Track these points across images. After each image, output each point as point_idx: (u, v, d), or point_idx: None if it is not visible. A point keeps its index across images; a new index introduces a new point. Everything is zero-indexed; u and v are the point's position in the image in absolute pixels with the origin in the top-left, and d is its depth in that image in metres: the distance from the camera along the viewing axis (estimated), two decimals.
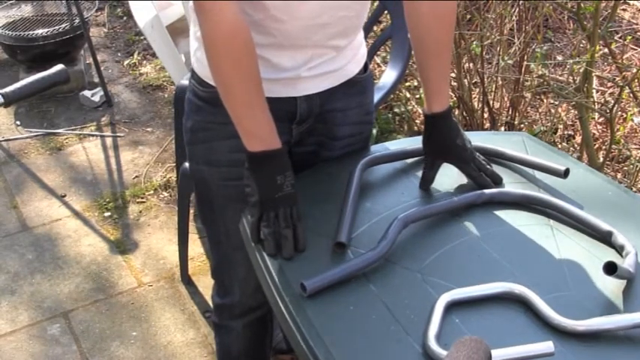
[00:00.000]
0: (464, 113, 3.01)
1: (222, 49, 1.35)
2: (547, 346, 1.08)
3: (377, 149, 1.65)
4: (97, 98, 3.81)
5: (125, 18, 4.73)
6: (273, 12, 1.39)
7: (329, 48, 1.50)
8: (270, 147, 1.40)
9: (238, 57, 1.36)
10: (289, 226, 1.36)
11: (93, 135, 3.61)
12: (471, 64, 2.93)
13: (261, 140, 1.40)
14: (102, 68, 3.86)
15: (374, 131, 3.10)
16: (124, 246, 2.90)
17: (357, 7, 1.49)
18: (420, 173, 1.54)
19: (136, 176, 3.30)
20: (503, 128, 2.95)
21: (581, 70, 2.51)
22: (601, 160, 2.64)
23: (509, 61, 2.82)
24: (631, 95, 2.63)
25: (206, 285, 2.65)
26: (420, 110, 3.35)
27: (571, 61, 2.67)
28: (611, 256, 1.31)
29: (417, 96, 3.36)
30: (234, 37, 1.34)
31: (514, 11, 2.89)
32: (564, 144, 3.04)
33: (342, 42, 1.52)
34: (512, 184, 1.52)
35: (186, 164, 2.07)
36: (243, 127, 1.41)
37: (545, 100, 3.23)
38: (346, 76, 1.59)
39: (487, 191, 1.47)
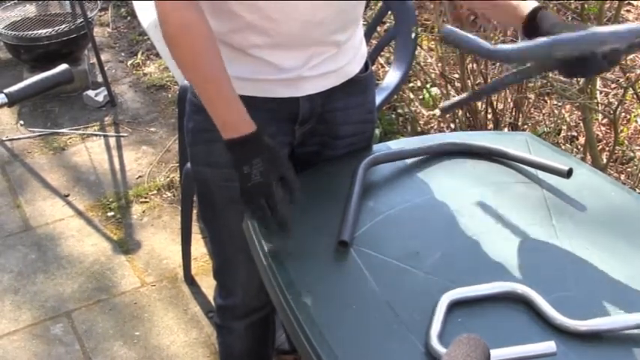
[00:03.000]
0: (467, 114, 3.00)
1: (180, 41, 1.35)
2: (549, 345, 1.08)
3: (379, 148, 1.65)
4: (100, 98, 3.82)
5: (129, 18, 4.74)
6: (267, 12, 1.39)
7: (329, 45, 1.50)
8: (238, 133, 1.37)
9: (195, 49, 1.36)
10: (268, 214, 1.35)
11: (96, 135, 3.62)
12: (475, 65, 2.93)
13: (230, 126, 1.38)
14: (105, 68, 3.87)
15: (377, 132, 3.10)
16: (127, 246, 2.90)
17: (351, 2, 1.48)
18: (421, 173, 1.54)
19: (140, 176, 3.31)
20: (506, 129, 2.95)
21: None
22: (604, 161, 2.64)
23: None
24: (635, 96, 2.62)
25: (209, 285, 2.65)
26: (423, 111, 3.35)
27: None
28: (614, 257, 1.31)
29: (421, 97, 3.36)
30: (187, 33, 1.34)
31: None
32: (568, 145, 3.04)
33: (342, 37, 1.51)
34: (515, 184, 1.51)
35: (189, 164, 2.07)
36: (214, 116, 1.40)
37: (548, 101, 3.23)
38: (347, 75, 1.59)
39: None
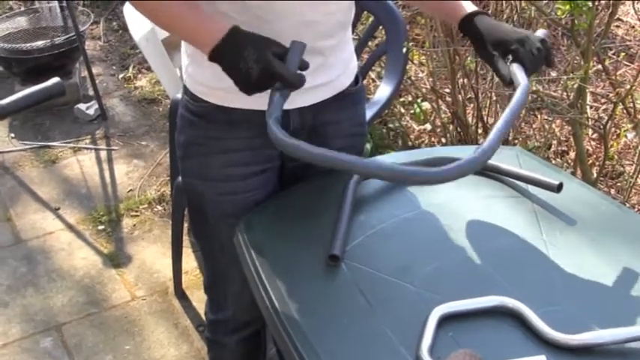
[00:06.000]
0: (458, 129, 3.01)
1: None
2: None
3: None
4: (91, 111, 3.82)
5: (121, 31, 4.74)
6: (257, 12, 1.39)
7: (316, 53, 1.48)
8: (216, 40, 1.33)
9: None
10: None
11: (87, 148, 3.61)
12: (466, 80, 2.94)
13: (208, 39, 1.34)
14: (97, 81, 3.87)
15: (368, 146, 3.10)
16: (117, 259, 2.89)
17: (342, 4, 1.49)
18: (412, 187, 1.54)
19: (130, 190, 3.30)
20: None
21: (575, 87, 2.52)
22: (595, 175, 2.65)
23: None
24: (624, 111, 2.64)
25: (200, 299, 2.65)
26: (414, 126, 3.36)
27: (565, 77, 2.68)
28: (605, 271, 1.31)
29: (412, 111, 3.37)
30: None
31: None
32: (558, 160, 3.05)
33: (330, 42, 1.51)
34: (505, 198, 1.52)
35: (180, 178, 2.07)
36: (189, 38, 1.41)
37: (539, 116, 3.24)
38: (338, 88, 1.59)
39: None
